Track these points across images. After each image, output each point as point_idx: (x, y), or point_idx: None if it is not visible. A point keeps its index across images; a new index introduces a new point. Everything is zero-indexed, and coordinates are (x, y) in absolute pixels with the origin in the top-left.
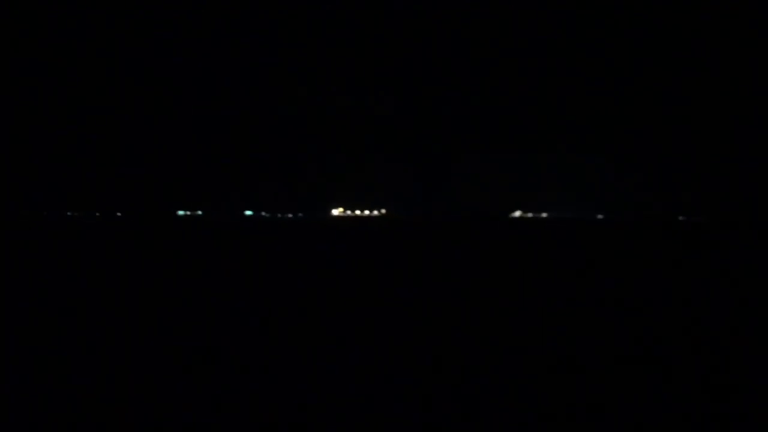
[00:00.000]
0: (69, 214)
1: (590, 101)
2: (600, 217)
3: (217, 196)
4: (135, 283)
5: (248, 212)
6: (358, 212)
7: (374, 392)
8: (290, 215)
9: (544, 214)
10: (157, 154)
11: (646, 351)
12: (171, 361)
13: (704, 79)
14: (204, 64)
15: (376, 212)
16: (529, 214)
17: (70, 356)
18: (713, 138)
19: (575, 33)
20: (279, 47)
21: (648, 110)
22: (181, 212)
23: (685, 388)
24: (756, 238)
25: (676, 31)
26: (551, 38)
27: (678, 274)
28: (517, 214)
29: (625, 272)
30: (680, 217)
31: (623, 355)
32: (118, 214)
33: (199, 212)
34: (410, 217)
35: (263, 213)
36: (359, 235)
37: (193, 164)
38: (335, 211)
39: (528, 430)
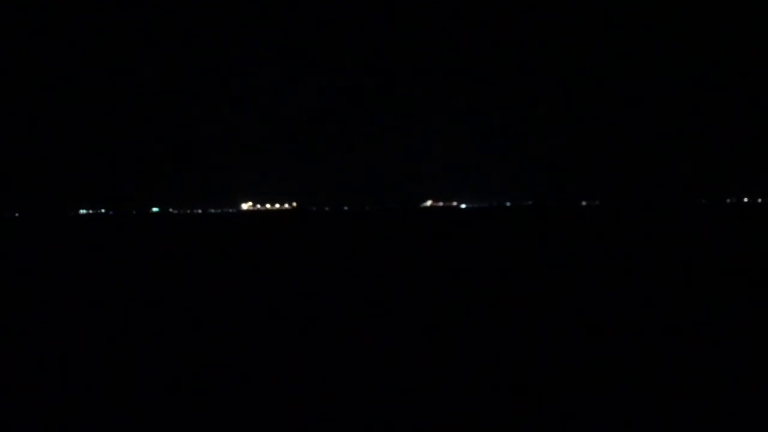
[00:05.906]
0: None
1: (498, 88)
2: (508, 204)
3: (121, 193)
4: (34, 292)
5: (155, 209)
6: (268, 206)
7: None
8: (199, 211)
9: (455, 203)
10: (56, 152)
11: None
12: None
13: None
14: (109, 56)
15: (287, 205)
16: (440, 204)
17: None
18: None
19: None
20: (187, 36)
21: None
22: (83, 211)
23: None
24: (658, 221)
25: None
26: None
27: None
28: (428, 203)
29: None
30: (582, 203)
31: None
32: (16, 214)
33: (102, 210)
34: (322, 210)
35: (170, 209)
36: (273, 231)
37: (94, 161)
38: (245, 206)
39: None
